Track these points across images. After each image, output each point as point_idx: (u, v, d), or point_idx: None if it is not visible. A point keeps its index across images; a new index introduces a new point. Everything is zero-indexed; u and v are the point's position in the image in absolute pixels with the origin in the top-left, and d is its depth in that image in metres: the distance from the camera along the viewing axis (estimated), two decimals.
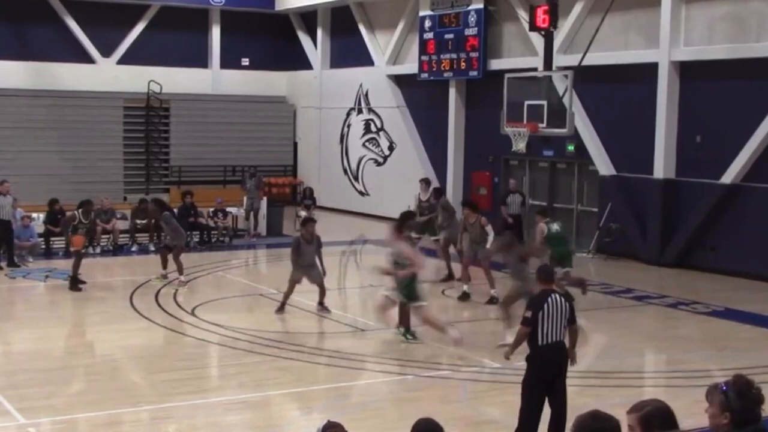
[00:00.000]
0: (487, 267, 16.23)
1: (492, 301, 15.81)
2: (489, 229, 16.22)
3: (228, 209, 24.53)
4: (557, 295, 8.86)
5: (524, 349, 8.98)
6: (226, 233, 23.73)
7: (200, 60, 32.88)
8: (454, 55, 25.79)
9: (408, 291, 13.13)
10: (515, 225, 20.95)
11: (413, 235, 17.54)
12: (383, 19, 29.39)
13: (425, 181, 20.35)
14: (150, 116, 31.40)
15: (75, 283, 17.25)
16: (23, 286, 17.98)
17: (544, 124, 19.98)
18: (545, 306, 8.70)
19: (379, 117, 29.61)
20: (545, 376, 8.77)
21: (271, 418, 10.43)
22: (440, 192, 20.40)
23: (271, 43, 33.81)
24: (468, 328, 14.83)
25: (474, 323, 15.17)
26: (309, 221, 15.72)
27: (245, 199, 24.83)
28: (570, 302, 8.97)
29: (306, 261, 15.17)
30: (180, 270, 17.65)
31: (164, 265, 17.89)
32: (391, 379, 11.86)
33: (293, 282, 15.24)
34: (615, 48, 21.59)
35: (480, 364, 12.25)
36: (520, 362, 9.15)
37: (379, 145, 29.69)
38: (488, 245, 15.93)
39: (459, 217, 18.17)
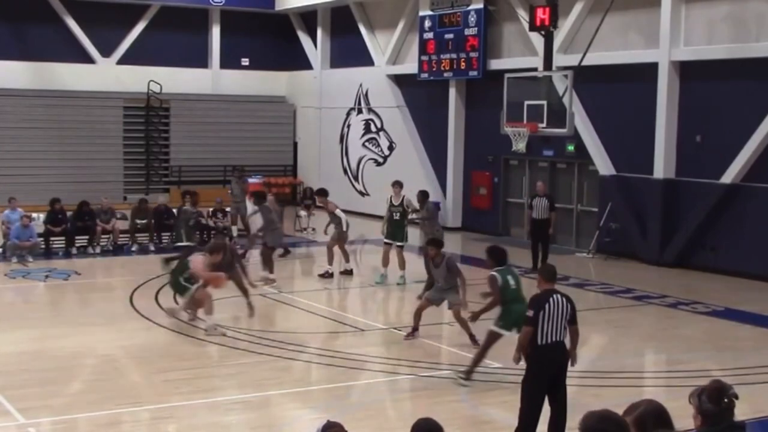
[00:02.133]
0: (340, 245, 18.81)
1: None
2: (338, 212, 18.87)
3: (227, 209, 24.51)
4: (559, 295, 8.86)
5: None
6: (227, 232, 23.70)
7: (200, 60, 32.90)
8: (454, 55, 25.80)
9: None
10: (542, 230, 19.76)
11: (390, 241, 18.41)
12: (383, 19, 29.40)
13: (398, 184, 18.75)
14: (150, 116, 31.41)
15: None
16: (23, 286, 17.98)
17: (544, 124, 19.98)
18: (546, 306, 8.71)
19: (379, 117, 29.61)
20: (545, 375, 8.77)
21: (271, 418, 10.43)
22: (426, 195, 18.84)
23: (271, 43, 33.83)
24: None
25: (472, 323, 15.14)
26: (431, 242, 13.91)
27: (231, 203, 24.15)
28: (572, 303, 8.97)
29: (438, 285, 13.40)
30: (270, 269, 17.89)
31: (270, 268, 17.93)
32: (391, 379, 11.86)
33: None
34: (615, 48, 21.60)
35: (480, 364, 12.23)
36: (519, 362, 9.16)
37: (379, 145, 29.69)
38: (343, 227, 18.65)
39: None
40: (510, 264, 11.79)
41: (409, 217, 18.57)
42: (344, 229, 18.67)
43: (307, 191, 27.82)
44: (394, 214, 18.35)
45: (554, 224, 20.17)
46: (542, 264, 14.40)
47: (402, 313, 16.80)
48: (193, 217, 19.66)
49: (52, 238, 21.42)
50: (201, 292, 14.00)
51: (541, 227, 19.83)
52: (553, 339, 8.72)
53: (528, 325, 8.75)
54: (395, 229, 18.30)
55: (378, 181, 29.38)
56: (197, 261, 14.15)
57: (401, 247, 18.25)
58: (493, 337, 11.21)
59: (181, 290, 14.40)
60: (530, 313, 8.74)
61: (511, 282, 11.25)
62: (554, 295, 8.82)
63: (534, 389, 8.75)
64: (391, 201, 18.49)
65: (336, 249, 18.79)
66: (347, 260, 18.94)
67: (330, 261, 18.65)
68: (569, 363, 9.03)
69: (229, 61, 33.27)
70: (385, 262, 18.29)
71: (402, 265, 18.09)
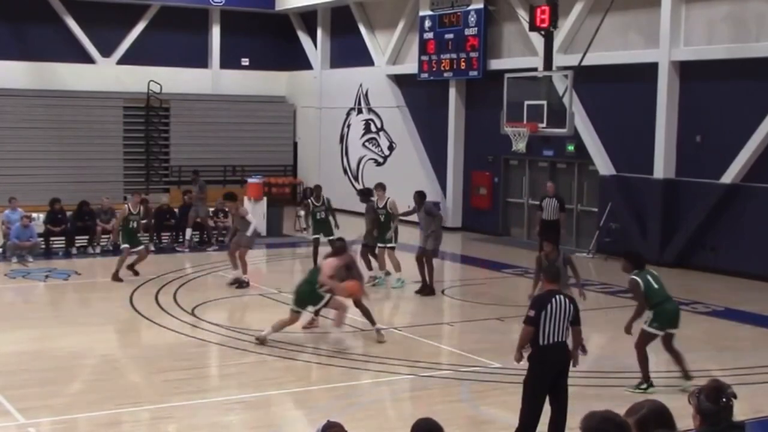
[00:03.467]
0: (242, 254, 17.76)
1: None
2: (249, 217, 18.08)
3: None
4: (561, 296, 8.86)
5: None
6: (226, 233, 23.68)
7: (200, 60, 32.90)
8: (454, 55, 25.80)
9: None
10: (553, 231, 19.27)
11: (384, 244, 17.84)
12: (383, 19, 29.40)
13: (381, 187, 18.19)
14: (150, 116, 31.42)
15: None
16: (23, 286, 17.98)
17: (544, 124, 19.98)
18: (548, 306, 8.70)
19: (379, 117, 29.61)
20: (547, 376, 8.77)
21: (271, 418, 10.43)
22: (423, 196, 18.19)
23: (271, 43, 33.83)
24: (465, 328, 14.84)
25: (472, 323, 15.16)
26: (548, 239, 13.61)
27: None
28: (574, 303, 8.98)
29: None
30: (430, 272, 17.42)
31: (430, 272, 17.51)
32: (391, 379, 11.86)
33: None
34: (615, 48, 21.60)
35: (480, 364, 12.25)
36: (520, 362, 9.15)
37: (379, 145, 29.69)
38: (248, 233, 17.70)
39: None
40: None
41: (399, 217, 18.33)
42: (249, 234, 17.77)
43: (307, 191, 27.81)
44: (380, 216, 18.01)
45: (563, 224, 20.09)
46: (547, 265, 14.26)
47: (402, 313, 16.81)
48: (319, 211, 19.06)
49: (52, 238, 21.42)
50: (334, 302, 13.23)
51: (552, 228, 19.77)
52: (555, 339, 8.72)
53: (529, 325, 8.75)
54: (382, 232, 17.96)
55: (378, 182, 29.37)
56: (327, 265, 13.14)
57: (392, 248, 17.92)
58: (648, 338, 11.36)
59: (306, 301, 13.23)
60: (532, 313, 8.74)
61: (654, 283, 11.29)
62: (557, 296, 8.83)
63: (535, 389, 8.74)
64: (376, 203, 18.14)
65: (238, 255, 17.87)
66: (244, 271, 17.77)
67: (234, 267, 17.92)
68: (571, 364, 9.04)
69: (229, 61, 33.27)
70: (381, 265, 18.07)
71: (397, 267, 17.80)
